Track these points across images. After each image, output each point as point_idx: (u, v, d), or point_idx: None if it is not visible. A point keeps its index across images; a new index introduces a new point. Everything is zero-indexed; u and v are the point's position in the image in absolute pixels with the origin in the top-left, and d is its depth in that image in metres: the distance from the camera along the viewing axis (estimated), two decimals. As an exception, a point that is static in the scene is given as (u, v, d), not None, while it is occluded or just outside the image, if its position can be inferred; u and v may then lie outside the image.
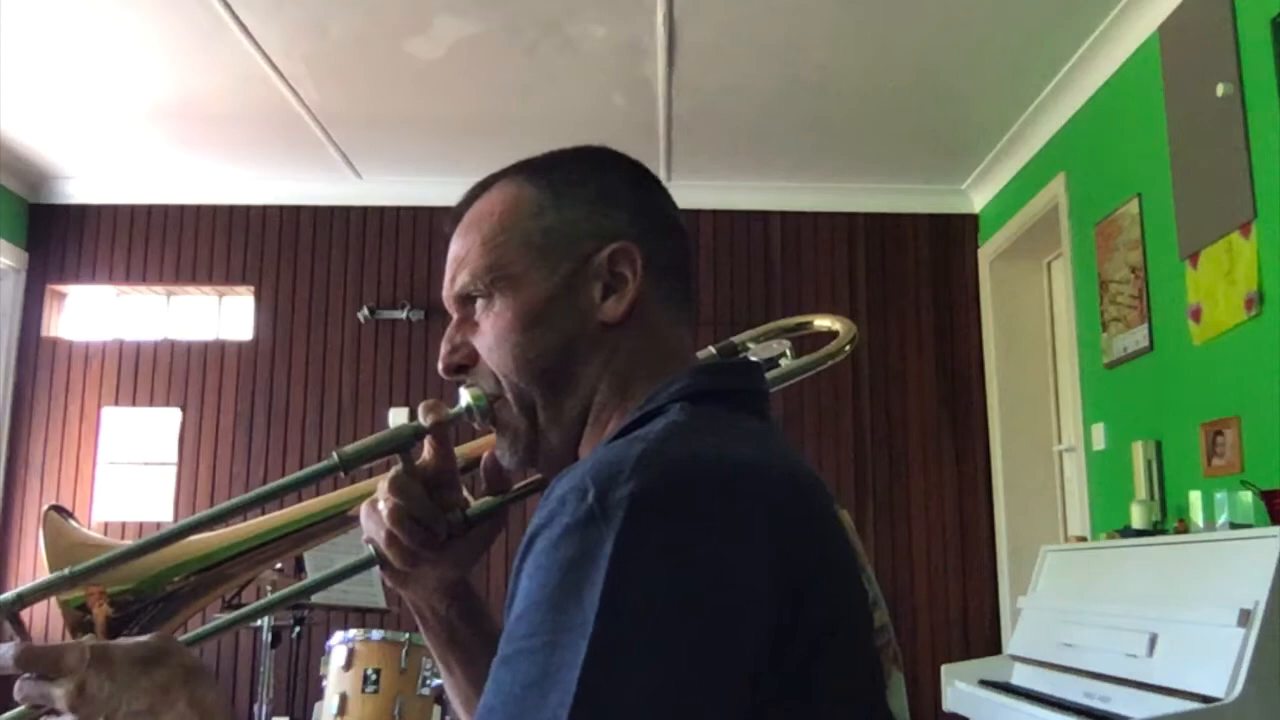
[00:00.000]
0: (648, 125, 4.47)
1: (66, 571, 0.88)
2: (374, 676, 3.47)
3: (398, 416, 5.00)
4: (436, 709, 3.63)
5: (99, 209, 5.24)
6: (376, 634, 3.55)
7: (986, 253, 5.10)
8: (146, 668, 0.81)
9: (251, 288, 5.21)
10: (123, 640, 0.82)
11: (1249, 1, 2.97)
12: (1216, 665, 2.18)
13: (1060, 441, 4.79)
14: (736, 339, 1.08)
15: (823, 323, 1.18)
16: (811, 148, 4.65)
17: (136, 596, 0.92)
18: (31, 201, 5.21)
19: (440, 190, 5.22)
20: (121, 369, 5.14)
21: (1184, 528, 2.96)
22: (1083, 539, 3.83)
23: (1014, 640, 3.25)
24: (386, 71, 4.07)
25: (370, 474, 0.94)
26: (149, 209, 5.25)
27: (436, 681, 3.50)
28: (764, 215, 5.13)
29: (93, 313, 5.36)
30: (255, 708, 3.74)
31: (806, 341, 1.13)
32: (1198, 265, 3.19)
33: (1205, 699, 2.17)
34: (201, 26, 3.68)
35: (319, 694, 3.69)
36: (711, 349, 1.00)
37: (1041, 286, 5.01)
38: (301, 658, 4.37)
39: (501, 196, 0.91)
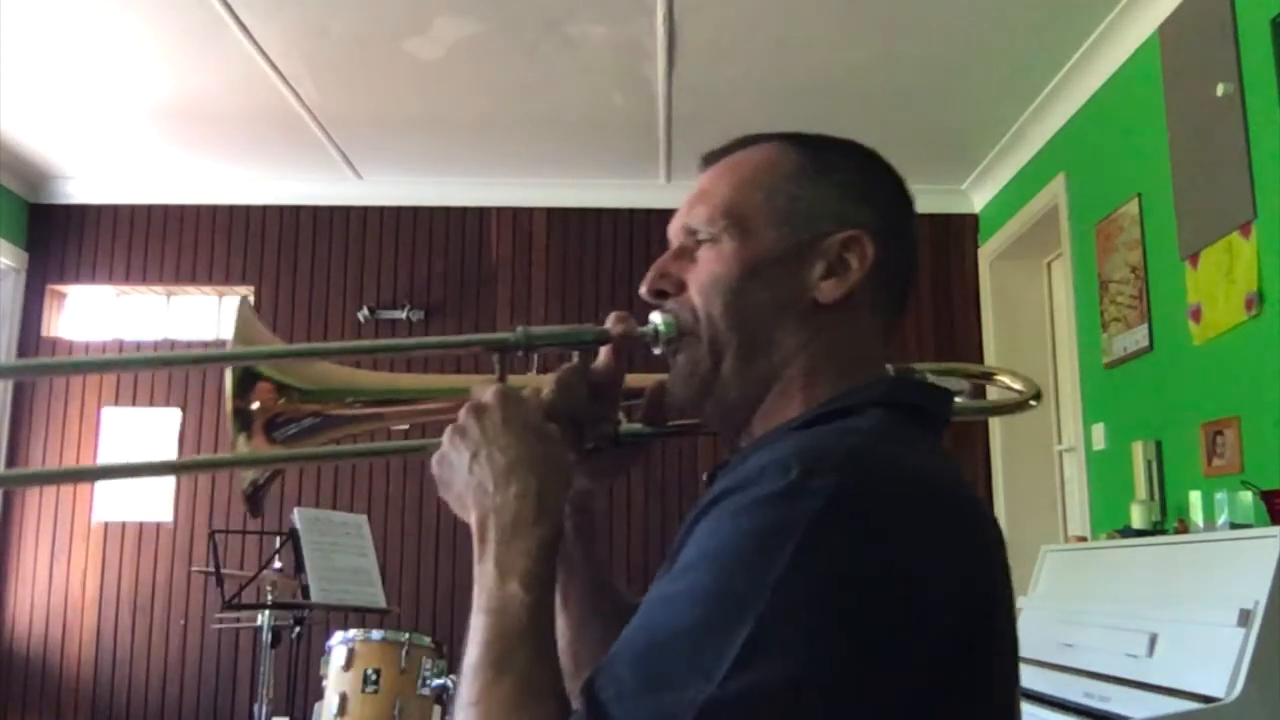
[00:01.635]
0: (648, 125, 4.47)
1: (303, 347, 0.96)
2: (374, 676, 3.47)
3: (398, 416, 5.00)
4: (436, 709, 3.63)
5: (99, 209, 5.25)
6: (376, 634, 3.55)
7: (986, 253, 5.09)
8: (531, 436, 0.83)
9: (251, 288, 5.21)
10: (526, 404, 0.86)
11: (1249, 1, 2.97)
12: (1216, 665, 2.18)
13: (1060, 441, 4.79)
14: (917, 365, 1.09)
15: (1004, 379, 1.20)
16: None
17: (306, 401, 0.97)
18: (31, 201, 5.21)
19: (440, 190, 5.23)
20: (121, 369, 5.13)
21: (1184, 528, 2.95)
22: (1083, 539, 3.83)
23: (1014, 640, 3.24)
24: (386, 71, 4.07)
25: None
26: (149, 209, 5.25)
27: (437, 681, 3.51)
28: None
29: (93, 313, 5.36)
30: (255, 708, 3.74)
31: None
32: (1198, 265, 3.19)
33: (1205, 699, 2.17)
34: (201, 26, 3.68)
35: (319, 694, 3.69)
36: (889, 368, 1.01)
37: (1041, 286, 5.00)
38: (301, 658, 4.36)
39: (765, 153, 0.91)
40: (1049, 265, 4.95)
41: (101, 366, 0.97)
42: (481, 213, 5.25)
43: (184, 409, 5.11)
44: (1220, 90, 3.01)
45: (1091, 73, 3.91)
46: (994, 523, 0.77)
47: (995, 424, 4.96)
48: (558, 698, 0.73)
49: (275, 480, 1.02)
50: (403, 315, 5.11)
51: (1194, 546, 2.60)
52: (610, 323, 0.91)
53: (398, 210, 5.25)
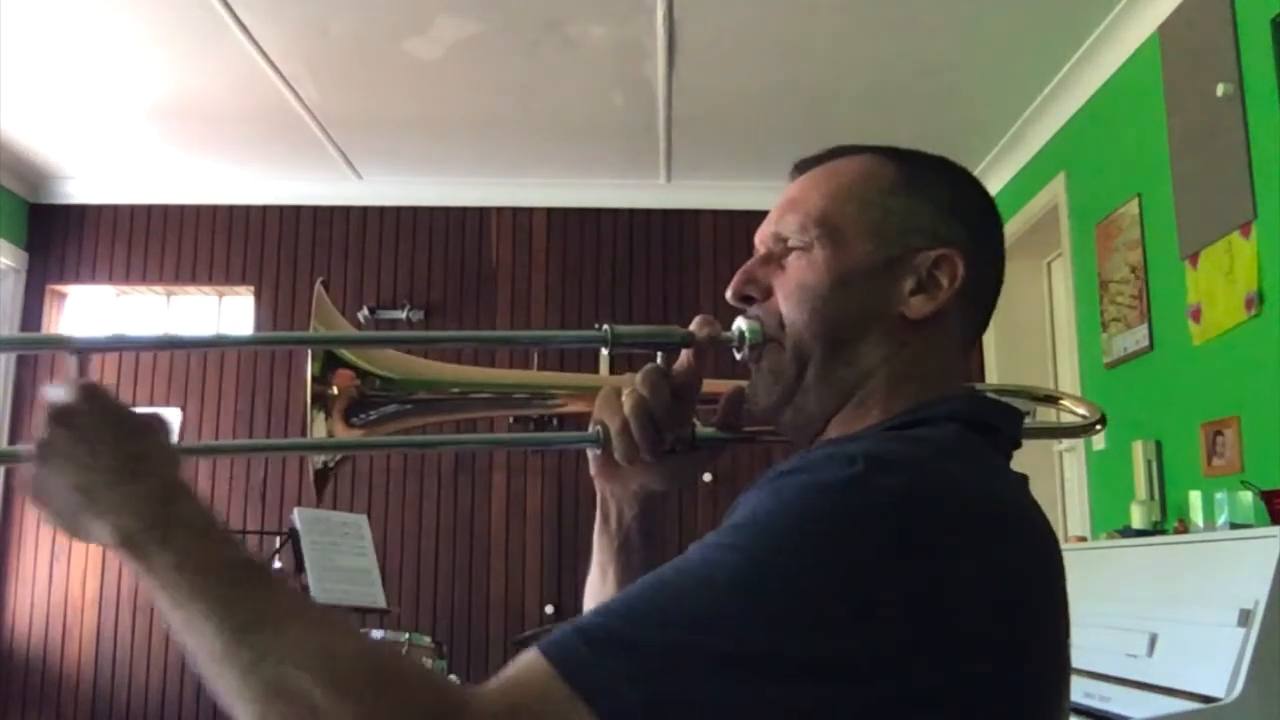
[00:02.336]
0: (648, 125, 4.47)
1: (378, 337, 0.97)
2: (374, 676, 3.47)
3: (398, 416, 5.00)
4: (436, 709, 3.63)
5: (99, 209, 5.24)
6: (376, 634, 3.55)
7: (986, 253, 5.09)
8: (129, 433, 0.78)
9: (251, 288, 5.21)
10: (114, 398, 0.81)
11: (1249, 1, 2.97)
12: (1216, 665, 2.17)
13: (1060, 441, 4.79)
14: (980, 386, 1.11)
15: (1068, 404, 1.20)
16: (811, 148, 4.62)
17: (386, 386, 0.98)
18: (31, 201, 5.21)
19: (440, 190, 5.23)
20: (121, 369, 5.14)
21: (1184, 528, 2.95)
22: (1083, 539, 3.83)
23: (1014, 640, 3.24)
24: (386, 71, 4.07)
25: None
26: (149, 209, 5.25)
27: (436, 681, 3.50)
28: (764, 215, 5.12)
29: (93, 313, 5.36)
30: (255, 708, 3.74)
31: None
32: (1198, 265, 3.19)
33: (1205, 699, 2.17)
34: (201, 26, 3.68)
35: (319, 694, 3.68)
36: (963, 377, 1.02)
37: (1041, 286, 5.00)
38: (301, 658, 4.36)
39: (862, 164, 0.91)
40: (1049, 265, 4.95)
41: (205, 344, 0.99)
42: (481, 213, 5.24)
43: (184, 409, 5.11)
44: (1220, 90, 3.01)
45: (1091, 73, 3.91)
46: (1054, 550, 0.77)
47: (995, 424, 4.95)
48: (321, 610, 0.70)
49: (345, 463, 1.04)
50: (403, 315, 5.11)
51: (1194, 546, 2.60)
52: (695, 325, 0.92)
53: (398, 210, 5.25)
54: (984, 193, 0.93)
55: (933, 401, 0.83)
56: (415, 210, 5.24)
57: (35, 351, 5.15)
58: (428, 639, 3.62)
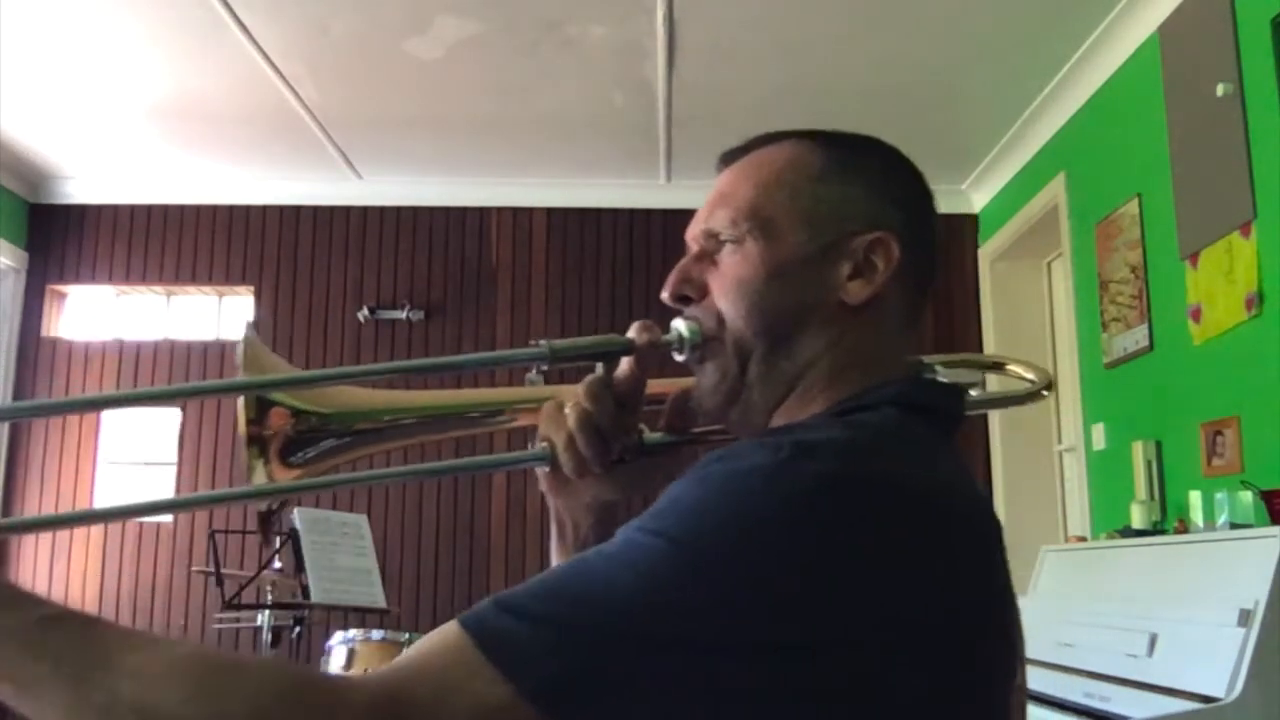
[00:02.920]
0: (648, 125, 4.47)
1: (302, 374, 0.93)
2: (374, 676, 3.47)
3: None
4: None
5: (99, 209, 5.24)
6: (377, 634, 3.55)
7: (986, 253, 5.10)
8: None
9: (251, 288, 5.22)
10: None
11: (1249, 1, 2.97)
12: (1216, 665, 2.18)
13: (1060, 441, 4.79)
14: (926, 359, 1.07)
15: (1016, 369, 1.18)
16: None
17: (322, 422, 0.95)
18: (31, 201, 5.21)
19: (440, 190, 5.23)
20: (121, 369, 5.14)
21: (1184, 528, 2.95)
22: (1083, 539, 3.83)
23: (1014, 640, 3.24)
24: (386, 71, 4.07)
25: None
26: (149, 209, 5.25)
27: (436, 681, 3.50)
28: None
29: (93, 313, 5.36)
30: (255, 708, 3.74)
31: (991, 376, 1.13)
32: (1198, 265, 3.19)
33: (1205, 699, 2.17)
34: (201, 26, 3.68)
35: (319, 694, 3.68)
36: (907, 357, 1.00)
37: (1041, 286, 5.00)
38: (301, 658, 4.36)
39: (789, 151, 0.89)
40: (1049, 265, 4.95)
41: (105, 404, 0.96)
42: (481, 213, 5.25)
43: (184, 409, 5.11)
44: (1220, 90, 3.01)
45: (1091, 73, 3.91)
46: (993, 537, 0.76)
47: (995, 424, 4.96)
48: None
49: (289, 505, 1.01)
50: (403, 315, 5.11)
51: (1194, 546, 2.60)
52: (634, 331, 0.90)
53: (398, 210, 5.25)
54: (915, 171, 0.92)
55: (874, 386, 0.82)
56: (415, 210, 5.24)
57: None
58: (428, 639, 3.61)
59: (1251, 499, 2.61)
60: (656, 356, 0.90)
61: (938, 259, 0.92)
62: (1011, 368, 1.18)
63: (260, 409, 0.92)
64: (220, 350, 5.17)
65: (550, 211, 5.21)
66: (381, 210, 5.24)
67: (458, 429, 1.00)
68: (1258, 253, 2.89)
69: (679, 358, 0.89)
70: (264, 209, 5.24)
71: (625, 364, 0.90)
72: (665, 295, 0.89)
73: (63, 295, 5.36)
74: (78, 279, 5.25)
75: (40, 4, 3.56)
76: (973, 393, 1.06)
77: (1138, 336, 3.58)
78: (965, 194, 5.21)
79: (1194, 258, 3.21)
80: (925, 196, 0.92)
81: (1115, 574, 2.90)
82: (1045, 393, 1.13)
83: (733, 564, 0.65)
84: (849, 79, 4.09)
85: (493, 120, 4.52)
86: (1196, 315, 3.20)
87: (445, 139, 4.72)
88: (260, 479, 0.93)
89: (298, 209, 5.24)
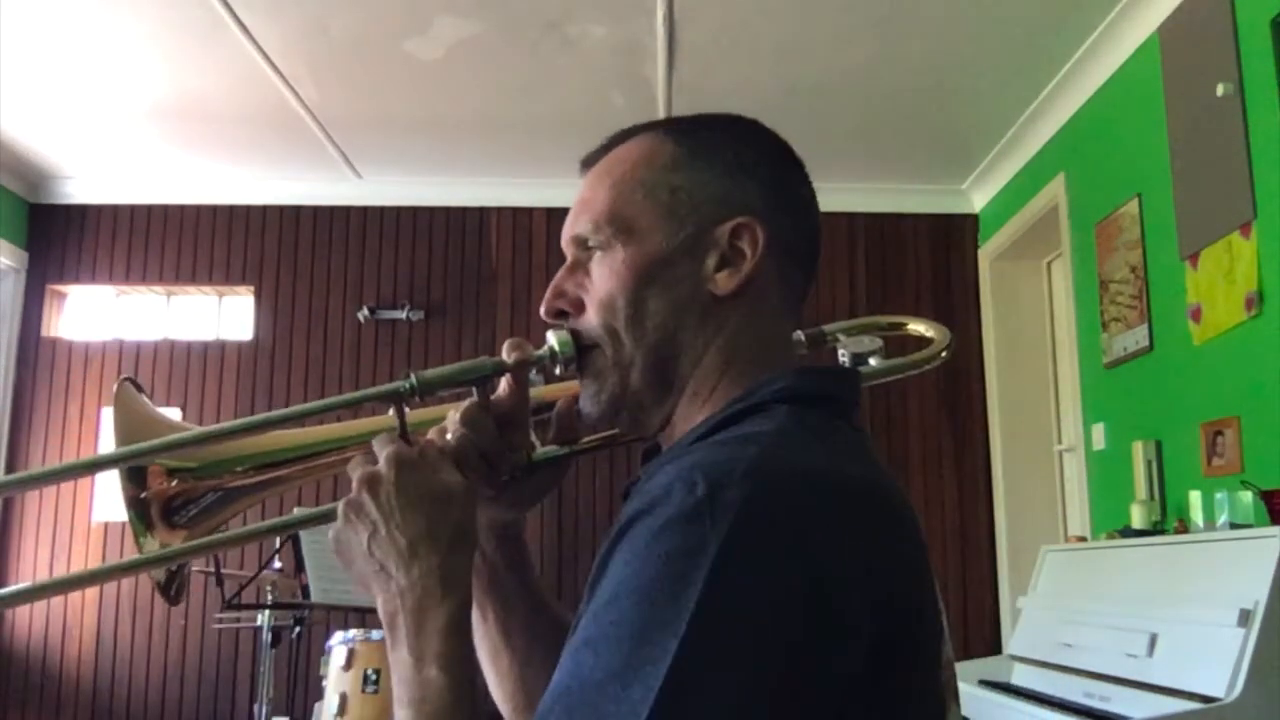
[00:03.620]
0: (648, 125, 4.47)
1: (170, 439, 0.88)
2: (374, 676, 3.48)
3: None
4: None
5: (99, 209, 5.24)
6: (376, 634, 3.55)
7: (986, 253, 5.10)
8: (430, 506, 0.81)
9: (251, 288, 5.22)
10: (422, 467, 0.82)
11: (1249, 1, 2.97)
12: (1216, 665, 2.18)
13: (1060, 441, 4.79)
14: (827, 328, 1.06)
15: (917, 327, 1.15)
16: (811, 148, 4.59)
17: (196, 478, 0.92)
18: (31, 201, 5.21)
19: (440, 190, 5.23)
20: (121, 369, 5.14)
21: (1184, 528, 2.96)
22: (1083, 539, 3.83)
23: (1014, 640, 3.25)
24: (386, 71, 4.07)
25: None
26: (149, 209, 5.25)
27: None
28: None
29: (93, 313, 5.36)
30: (255, 708, 3.74)
31: (893, 344, 1.10)
32: (1198, 265, 3.19)
33: (1205, 699, 2.17)
34: (201, 26, 3.68)
35: (319, 694, 3.69)
36: (800, 334, 0.97)
37: (1041, 286, 5.01)
38: (301, 658, 4.37)
39: (639, 148, 0.89)
40: (1049, 265, 4.95)
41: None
42: (481, 213, 5.25)
43: (184, 409, 5.11)
44: (1220, 90, 3.01)
45: (1091, 73, 3.91)
46: (910, 517, 0.75)
47: (995, 424, 4.96)
48: None
49: (188, 569, 0.97)
50: (403, 315, 5.11)
51: (1194, 546, 2.60)
52: (505, 351, 0.88)
53: (398, 210, 5.25)
54: (772, 140, 0.90)
55: (762, 383, 0.81)
56: (415, 210, 5.24)
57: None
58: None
59: (1251, 499, 2.61)
60: (533, 371, 0.89)
61: (814, 226, 0.90)
62: (912, 327, 1.16)
63: (135, 474, 0.90)
64: (220, 350, 5.17)
65: (550, 211, 5.21)
66: (381, 210, 5.25)
67: (340, 465, 0.95)
68: (1258, 253, 2.89)
69: (557, 371, 0.88)
70: (264, 209, 5.24)
71: (503, 384, 0.89)
72: (543, 312, 0.88)
73: (63, 295, 5.36)
74: (78, 279, 5.25)
75: (40, 4, 3.56)
76: (873, 361, 1.05)
77: (1138, 336, 3.58)
78: (965, 194, 5.21)
79: (1194, 258, 3.21)
80: (787, 164, 0.90)
81: (1115, 574, 2.90)
82: (944, 354, 1.10)
83: (695, 624, 0.63)
84: (849, 79, 4.09)
85: (492, 120, 4.52)
86: (1196, 315, 3.20)
87: (445, 139, 4.72)
88: (152, 547, 0.90)
89: (298, 209, 5.24)
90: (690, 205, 0.84)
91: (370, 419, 0.96)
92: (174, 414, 5.11)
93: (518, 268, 5.20)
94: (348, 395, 0.89)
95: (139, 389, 0.98)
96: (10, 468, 5.05)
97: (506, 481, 0.90)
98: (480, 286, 5.20)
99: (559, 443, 0.93)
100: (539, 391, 0.93)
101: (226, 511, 0.95)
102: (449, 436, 0.86)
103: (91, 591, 4.95)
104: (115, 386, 0.95)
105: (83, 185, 5.21)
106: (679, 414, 0.85)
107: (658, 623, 0.64)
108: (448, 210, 5.25)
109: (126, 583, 4.95)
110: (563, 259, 0.91)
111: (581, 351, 0.86)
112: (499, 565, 0.96)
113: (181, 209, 5.24)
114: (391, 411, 0.87)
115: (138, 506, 0.90)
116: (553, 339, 0.87)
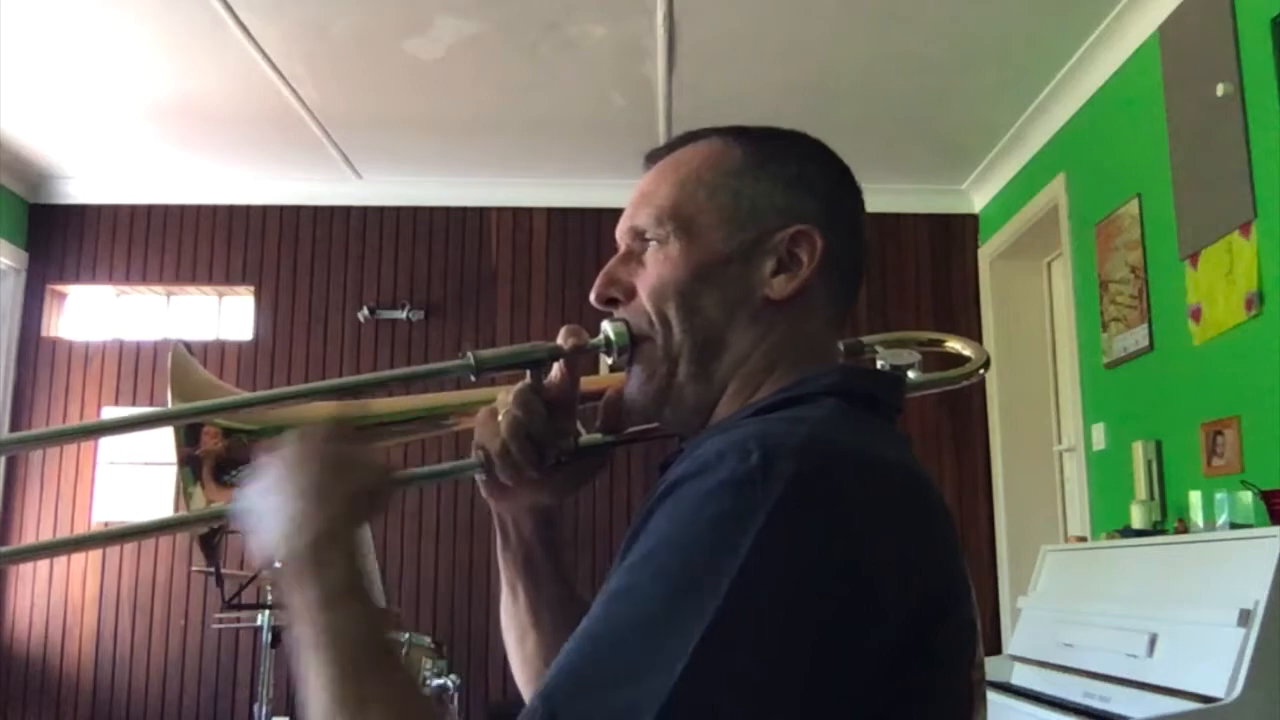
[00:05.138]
0: (648, 125, 4.47)
1: (231, 400, 0.91)
2: (374, 676, 3.47)
3: (398, 416, 5.00)
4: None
5: (99, 209, 5.25)
6: (376, 634, 3.54)
7: (986, 253, 5.10)
8: (329, 469, 0.82)
9: (251, 288, 5.22)
10: (343, 435, 0.86)
11: (1249, 1, 2.97)
12: (1216, 665, 2.18)
13: (1060, 441, 4.79)
14: (865, 339, 1.08)
15: (955, 345, 1.17)
16: (811, 148, 4.64)
17: (252, 439, 0.94)
18: (31, 201, 5.21)
19: (440, 190, 5.23)
20: (121, 369, 5.14)
21: (1184, 528, 2.96)
22: (1083, 539, 3.83)
23: (1014, 640, 3.25)
24: (386, 71, 4.07)
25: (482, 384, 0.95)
26: (149, 209, 5.25)
27: (436, 681, 3.50)
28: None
29: (93, 313, 5.36)
30: (255, 708, 3.74)
31: (930, 359, 1.11)
32: (1198, 265, 3.19)
33: (1205, 699, 2.17)
34: (201, 26, 3.68)
35: (319, 694, 3.68)
36: (839, 344, 0.99)
37: (1041, 286, 5.01)
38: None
39: (709, 150, 0.90)
40: (1049, 265, 4.95)
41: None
42: (481, 213, 5.25)
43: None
44: (1220, 90, 3.01)
45: (1091, 73, 3.91)
46: (946, 510, 0.76)
47: (995, 424, 4.96)
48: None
49: (229, 530, 0.98)
50: (403, 315, 5.11)
51: (1194, 546, 2.60)
52: (561, 337, 0.90)
53: (398, 210, 5.25)
54: (833, 161, 0.92)
55: (810, 376, 0.82)
56: (415, 210, 5.25)
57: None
58: (428, 639, 3.61)
59: (1251, 499, 2.61)
60: (586, 360, 0.90)
61: (865, 244, 0.92)
62: (950, 345, 1.18)
63: (189, 431, 0.92)
64: (220, 350, 5.17)
65: (550, 211, 5.21)
66: (381, 210, 5.25)
67: (398, 437, 0.98)
68: (1258, 253, 2.89)
69: (608, 360, 0.89)
70: (264, 209, 5.24)
71: (556, 369, 0.91)
72: (593, 298, 0.90)
73: (63, 295, 5.36)
74: (78, 279, 5.25)
75: (40, 4, 3.57)
76: (912, 374, 1.06)
77: (1138, 336, 3.58)
78: (965, 194, 5.21)
79: (1194, 258, 3.21)
80: (846, 185, 0.92)
81: (1115, 574, 2.90)
82: (983, 371, 1.12)
83: (738, 588, 0.63)
84: (849, 79, 4.09)
85: (493, 120, 4.52)
86: (1196, 315, 3.20)
87: (445, 139, 4.72)
88: (199, 502, 0.92)
89: (298, 209, 5.24)
90: (752, 211, 0.86)
91: (426, 396, 0.99)
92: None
93: (518, 268, 5.20)
94: (406, 370, 0.92)
95: (190, 351, 1.00)
96: (10, 467, 5.05)
97: (553, 466, 0.91)
98: (480, 286, 5.20)
99: (604, 431, 0.95)
100: (586, 382, 0.94)
101: None
102: (500, 417, 0.88)
103: (91, 591, 4.95)
104: (170, 353, 0.97)
105: (83, 185, 5.21)
106: (720, 412, 0.86)
107: (699, 583, 0.64)
108: (448, 210, 5.25)
109: (126, 582, 4.95)
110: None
111: (634, 341, 0.87)
112: (534, 546, 0.98)
113: (181, 209, 5.24)
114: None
115: (191, 464, 0.92)
116: (609, 328, 0.88)
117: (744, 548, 0.64)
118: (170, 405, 0.91)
